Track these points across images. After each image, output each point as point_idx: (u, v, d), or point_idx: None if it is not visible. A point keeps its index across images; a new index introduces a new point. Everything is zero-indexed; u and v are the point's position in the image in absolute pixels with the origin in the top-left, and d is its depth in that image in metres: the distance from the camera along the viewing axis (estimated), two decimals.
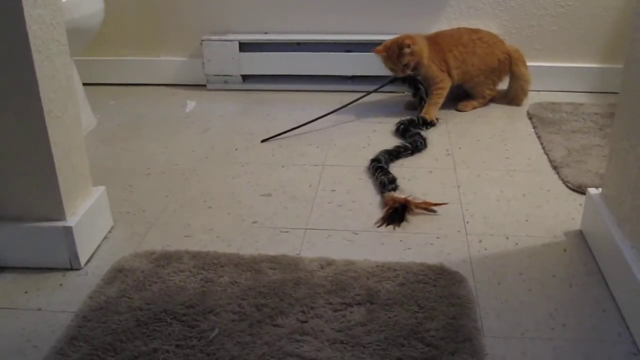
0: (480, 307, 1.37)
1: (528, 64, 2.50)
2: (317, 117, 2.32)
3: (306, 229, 1.68)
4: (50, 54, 1.40)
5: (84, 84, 2.43)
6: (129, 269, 1.48)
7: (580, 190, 1.83)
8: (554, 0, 2.55)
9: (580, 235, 1.63)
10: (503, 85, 2.52)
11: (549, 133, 2.21)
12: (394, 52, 2.30)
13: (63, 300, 1.42)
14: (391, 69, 2.35)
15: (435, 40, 2.42)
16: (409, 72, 2.33)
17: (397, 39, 2.31)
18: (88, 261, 1.55)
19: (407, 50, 2.27)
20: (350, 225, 1.69)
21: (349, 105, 2.40)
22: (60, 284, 1.47)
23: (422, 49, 2.33)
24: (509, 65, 2.46)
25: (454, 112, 2.46)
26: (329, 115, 2.34)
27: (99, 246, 1.61)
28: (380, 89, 2.46)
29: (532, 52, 2.61)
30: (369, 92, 2.45)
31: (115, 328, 1.29)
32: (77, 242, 1.50)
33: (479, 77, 2.44)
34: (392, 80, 2.42)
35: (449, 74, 2.40)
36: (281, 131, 2.25)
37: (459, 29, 2.50)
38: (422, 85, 2.40)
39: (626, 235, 1.38)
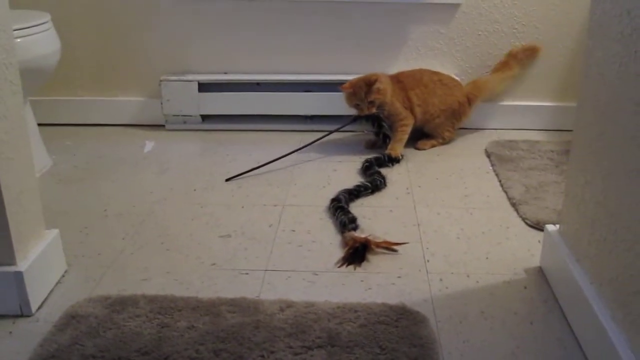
0: (442, 347, 1.36)
1: (485, 102, 2.55)
2: (280, 156, 2.31)
3: (266, 270, 1.66)
4: (2, 95, 1.37)
5: (40, 125, 2.38)
6: (83, 315, 1.43)
7: (538, 227, 1.84)
8: (508, 40, 2.60)
9: (540, 271, 1.64)
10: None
11: (506, 170, 2.23)
12: (361, 88, 2.32)
13: (13, 349, 1.36)
14: (356, 106, 2.37)
15: (397, 79, 2.46)
16: (374, 109, 2.35)
17: (364, 77, 2.35)
18: (40, 307, 1.50)
19: (376, 86, 2.30)
20: (310, 265, 1.67)
21: (310, 145, 2.39)
22: (10, 332, 1.41)
23: (387, 87, 2.36)
24: (469, 106, 2.51)
25: (413, 150, 2.47)
26: (289, 155, 2.33)
27: (51, 291, 1.56)
28: (343, 128, 2.46)
29: None
30: (331, 132, 2.45)
31: None
32: (28, 287, 1.44)
33: (440, 117, 2.47)
34: (355, 119, 2.43)
35: (412, 112, 2.43)
36: (244, 170, 2.23)
37: (420, 70, 2.54)
38: (385, 123, 2.42)
39: (584, 271, 1.39)
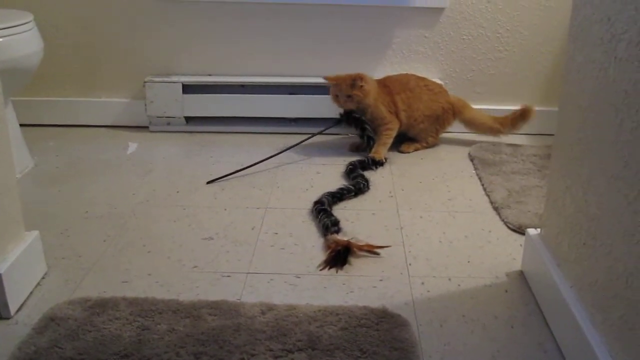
0: (422, 350, 1.36)
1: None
2: (263, 158, 2.31)
3: (248, 273, 1.65)
4: None
5: (23, 125, 2.37)
6: (62, 317, 1.42)
7: (520, 230, 1.85)
8: (492, 45, 2.62)
9: (521, 275, 1.65)
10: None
11: (489, 174, 2.24)
12: (345, 81, 2.34)
13: None
14: (335, 98, 2.38)
15: (384, 83, 2.47)
16: (350, 105, 2.36)
17: (352, 74, 2.36)
18: (19, 310, 1.48)
19: (359, 83, 2.32)
20: (292, 268, 1.67)
21: (293, 147, 2.39)
22: None
23: (371, 89, 2.37)
24: (453, 115, 2.51)
25: (397, 153, 2.48)
26: (272, 158, 2.33)
27: (31, 293, 1.54)
28: (326, 131, 2.46)
29: (472, 95, 2.66)
30: (314, 134, 2.45)
31: None
32: (6, 289, 1.43)
33: (424, 122, 2.47)
34: (339, 122, 2.43)
35: (397, 116, 2.43)
36: (227, 173, 2.22)
37: (406, 74, 2.55)
38: (368, 126, 2.42)
39: (565, 275, 1.39)
